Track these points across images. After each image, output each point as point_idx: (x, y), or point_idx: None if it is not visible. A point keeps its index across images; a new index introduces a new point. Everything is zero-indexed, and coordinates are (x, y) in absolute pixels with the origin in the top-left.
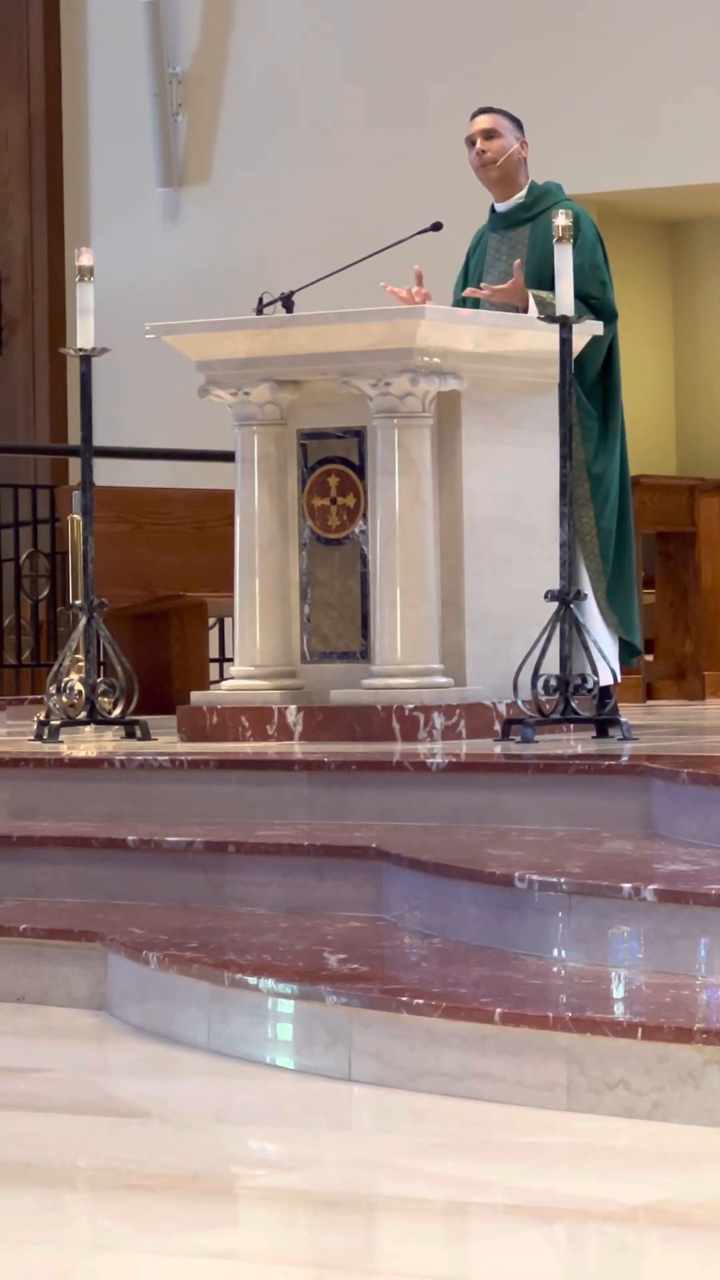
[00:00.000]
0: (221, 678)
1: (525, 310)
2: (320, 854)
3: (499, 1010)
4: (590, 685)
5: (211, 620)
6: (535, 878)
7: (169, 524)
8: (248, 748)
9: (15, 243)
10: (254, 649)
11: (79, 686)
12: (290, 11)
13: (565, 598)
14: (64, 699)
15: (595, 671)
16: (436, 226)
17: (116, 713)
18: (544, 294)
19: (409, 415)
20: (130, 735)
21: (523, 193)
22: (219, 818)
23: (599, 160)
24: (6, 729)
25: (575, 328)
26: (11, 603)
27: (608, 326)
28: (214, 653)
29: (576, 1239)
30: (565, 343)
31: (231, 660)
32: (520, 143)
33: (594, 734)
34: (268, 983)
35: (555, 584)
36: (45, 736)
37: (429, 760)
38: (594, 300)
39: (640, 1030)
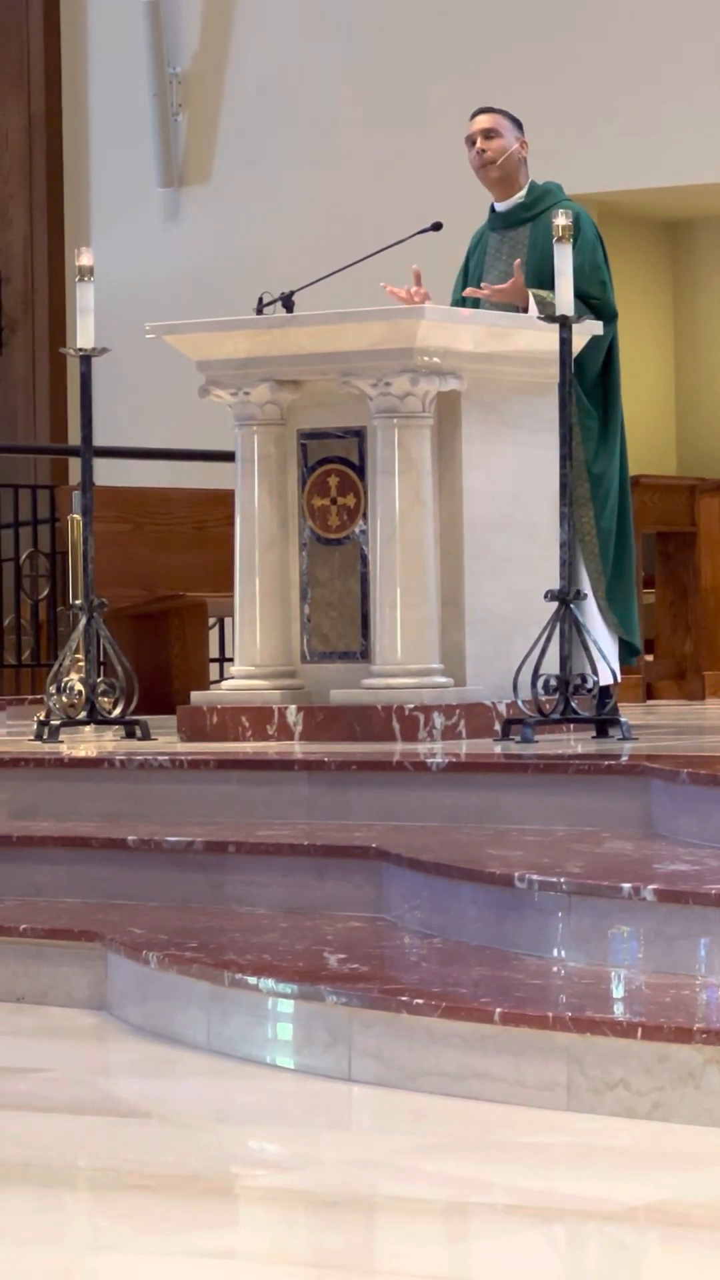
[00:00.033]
0: (221, 678)
1: (525, 310)
2: (320, 854)
3: (499, 1010)
4: (590, 685)
5: (211, 620)
6: (535, 878)
7: (169, 524)
8: (248, 748)
9: (15, 243)
10: (254, 649)
11: (79, 686)
12: (290, 11)
13: (565, 597)
14: (64, 699)
15: (595, 671)
16: (436, 226)
17: (116, 713)
18: (544, 293)
19: (409, 415)
20: (130, 735)
21: (523, 192)
22: (219, 818)
23: (599, 160)
24: (6, 729)
25: (575, 328)
26: (11, 603)
27: (608, 326)
28: (214, 653)
29: (576, 1239)
30: (565, 343)
31: (231, 660)
32: (520, 143)
33: (594, 734)
34: (268, 983)
35: (555, 584)
36: (45, 736)
37: (429, 760)
38: (594, 300)
39: (640, 1030)
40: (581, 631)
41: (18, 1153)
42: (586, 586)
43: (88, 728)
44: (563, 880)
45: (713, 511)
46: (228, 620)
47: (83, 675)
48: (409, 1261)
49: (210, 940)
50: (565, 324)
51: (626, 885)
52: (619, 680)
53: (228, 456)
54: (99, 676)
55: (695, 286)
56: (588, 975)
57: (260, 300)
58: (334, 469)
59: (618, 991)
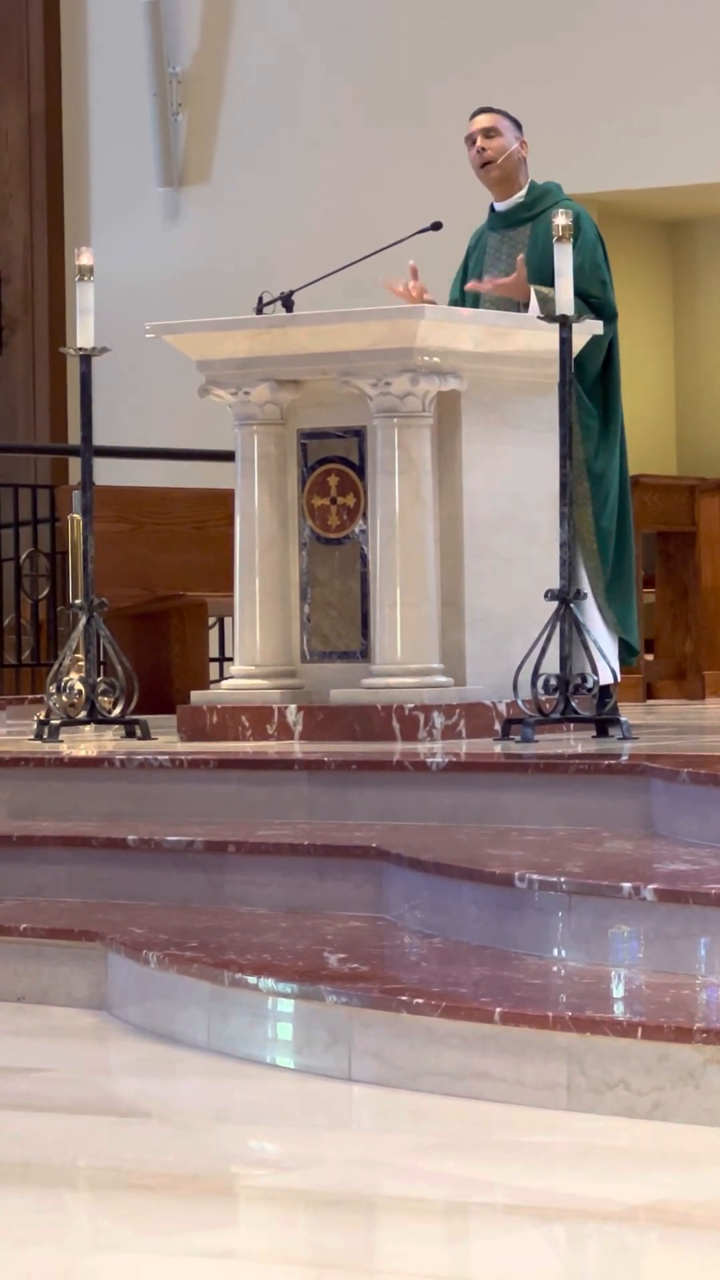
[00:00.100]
0: (221, 677)
1: (526, 305)
2: (320, 854)
3: (499, 1010)
4: (590, 685)
5: (211, 620)
6: (535, 877)
7: (169, 523)
8: (248, 747)
9: (15, 243)
10: (254, 648)
11: (79, 686)
12: (290, 11)
13: (565, 597)
14: (64, 698)
15: (595, 671)
16: (436, 226)
17: (116, 712)
18: (546, 290)
19: (409, 415)
20: (130, 735)
21: (522, 192)
22: (219, 817)
23: (599, 160)
24: (6, 728)
25: (575, 327)
26: (11, 602)
27: (608, 326)
28: (214, 652)
29: (576, 1239)
30: (565, 342)
31: (231, 660)
32: (520, 142)
33: (594, 733)
34: (268, 982)
35: (555, 584)
36: (45, 736)
37: (429, 760)
38: (594, 299)
39: (640, 1030)
40: (581, 631)
41: (18, 1153)
42: (586, 586)
43: (88, 727)
44: (563, 880)
45: (713, 511)
46: (228, 620)
47: (83, 675)
48: (409, 1261)
49: (210, 940)
50: (565, 323)
51: (627, 885)
52: (619, 680)
53: (228, 456)
54: (99, 676)
55: (695, 286)
56: (588, 975)
57: (260, 300)
58: (334, 469)
59: (618, 991)
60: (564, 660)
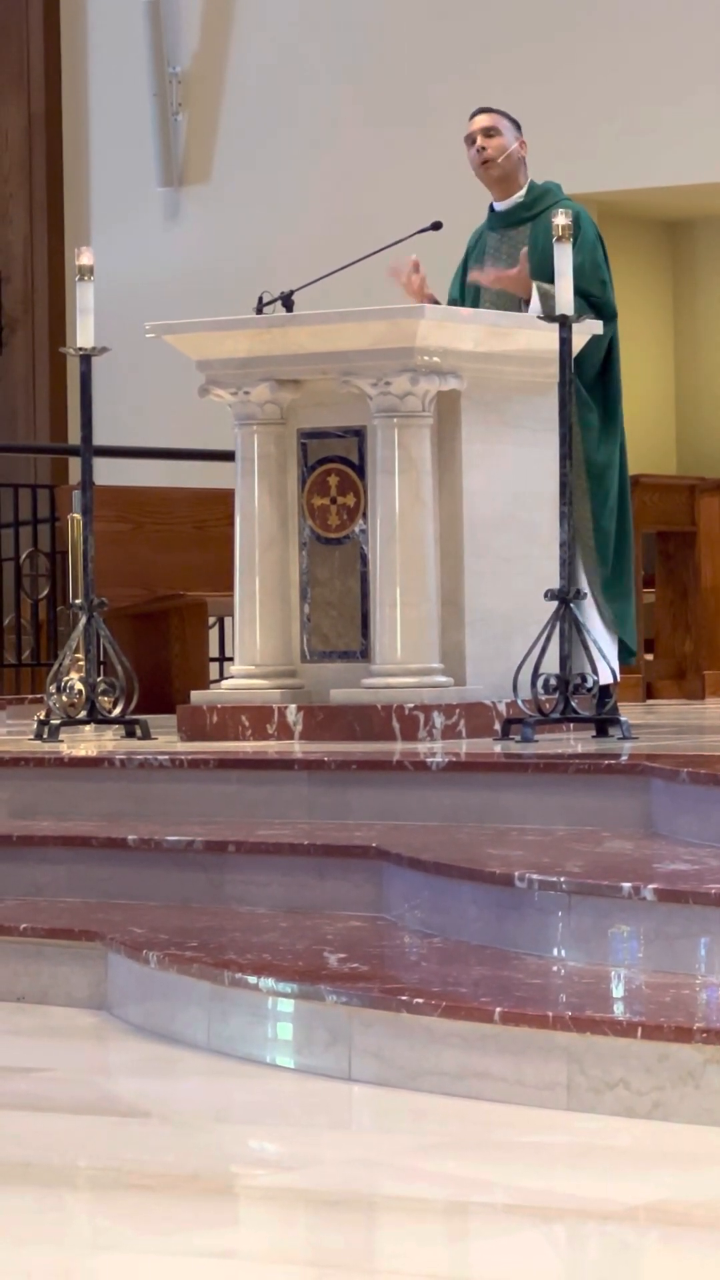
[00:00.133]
0: (221, 677)
1: (527, 301)
2: (320, 853)
3: (499, 1010)
4: (590, 685)
5: (211, 620)
6: (535, 877)
7: (169, 523)
8: (248, 747)
9: (15, 242)
10: (254, 648)
11: (79, 686)
12: (290, 11)
13: (565, 597)
14: (64, 698)
15: (595, 671)
16: (436, 226)
17: (116, 712)
18: (548, 286)
19: (409, 415)
20: (130, 734)
21: (522, 192)
22: (219, 817)
23: (599, 160)
24: (6, 728)
25: (575, 327)
26: (11, 602)
27: (608, 325)
28: (214, 652)
29: (576, 1238)
30: (565, 342)
31: (231, 659)
32: (519, 142)
33: (594, 733)
34: (268, 982)
35: (555, 583)
36: (45, 736)
37: (429, 760)
38: (594, 299)
39: (640, 1030)
40: (581, 631)
41: (18, 1152)
42: (585, 585)
43: (88, 727)
44: (563, 880)
45: (713, 511)
46: (228, 620)
47: (83, 675)
48: (409, 1261)
49: (210, 940)
50: (565, 323)
51: (626, 885)
52: (619, 680)
53: (228, 456)
54: (99, 676)
55: (695, 286)
56: (588, 975)
57: (260, 300)
58: (334, 468)
59: (618, 991)
60: (564, 660)
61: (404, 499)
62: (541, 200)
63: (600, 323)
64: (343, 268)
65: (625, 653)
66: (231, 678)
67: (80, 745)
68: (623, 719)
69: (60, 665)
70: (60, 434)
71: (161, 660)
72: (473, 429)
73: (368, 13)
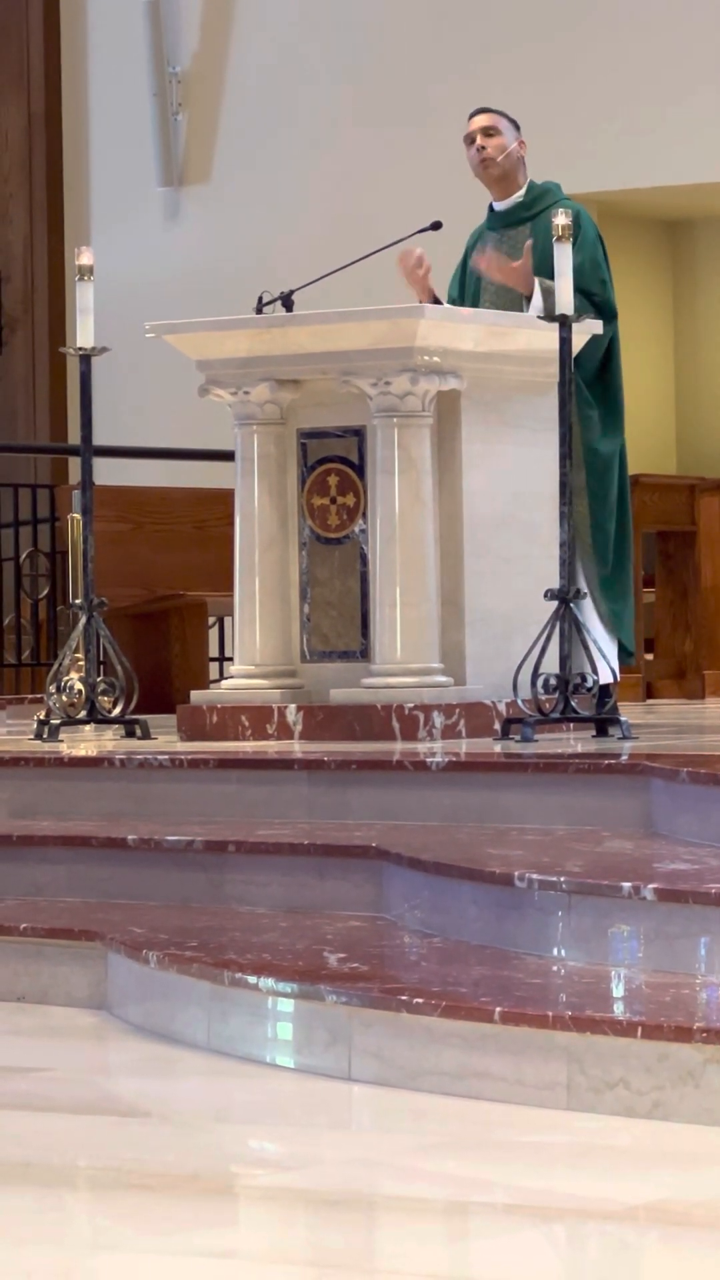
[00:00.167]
0: (221, 677)
1: (529, 297)
2: (320, 853)
3: (499, 1009)
4: (590, 684)
5: (211, 619)
6: (535, 877)
7: (169, 523)
8: (248, 747)
9: (15, 242)
10: (254, 648)
11: (79, 686)
12: (290, 11)
13: (565, 597)
14: (64, 698)
15: (595, 670)
16: (436, 226)
17: (116, 712)
18: (551, 283)
19: (409, 414)
20: (130, 734)
21: (521, 191)
22: (219, 817)
23: (599, 160)
24: (6, 728)
25: (575, 327)
26: (11, 602)
27: (608, 325)
28: (214, 652)
29: (576, 1238)
30: (565, 342)
31: (231, 659)
32: (519, 142)
33: (594, 733)
34: (268, 982)
35: (555, 583)
36: (45, 736)
37: (429, 759)
38: (595, 297)
39: (640, 1029)
40: (581, 631)
41: (18, 1152)
42: (585, 584)
43: (88, 727)
44: (563, 879)
45: (713, 511)
46: (227, 619)
47: (83, 674)
48: (409, 1261)
49: (210, 939)
50: (565, 323)
51: (626, 884)
52: (619, 679)
53: (227, 456)
54: (99, 676)
55: (695, 286)
56: (588, 974)
57: (260, 299)
58: (334, 468)
59: (618, 991)
60: (564, 660)
61: (404, 499)
62: (541, 200)
63: (600, 323)
64: (343, 268)
65: (623, 654)
66: (231, 678)
67: (80, 745)
68: (623, 719)
69: (60, 665)
70: (60, 434)
71: (161, 660)
72: (473, 429)
73: (368, 13)
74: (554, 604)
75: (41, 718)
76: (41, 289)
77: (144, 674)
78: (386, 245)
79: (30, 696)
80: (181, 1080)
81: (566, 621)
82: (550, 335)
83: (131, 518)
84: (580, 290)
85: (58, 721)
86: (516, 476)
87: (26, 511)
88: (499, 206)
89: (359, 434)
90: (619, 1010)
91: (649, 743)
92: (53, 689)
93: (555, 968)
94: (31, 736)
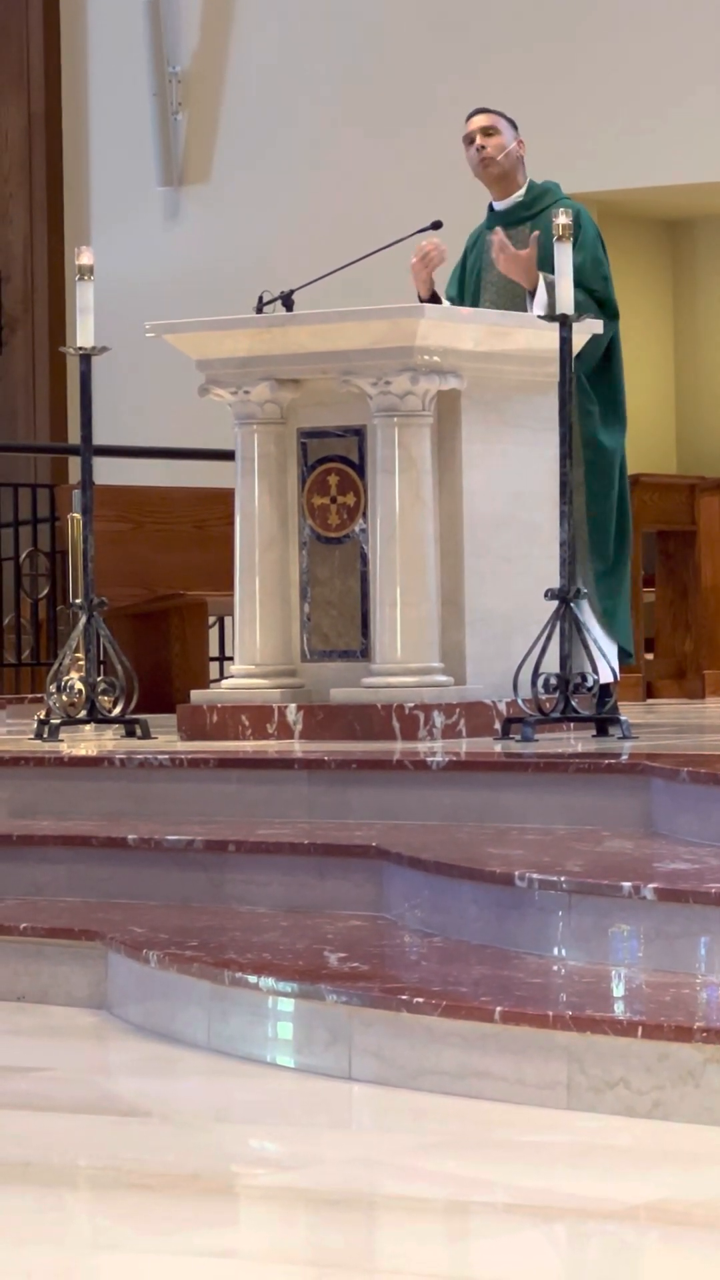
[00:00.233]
0: (222, 676)
1: (532, 291)
2: (320, 853)
3: (499, 1009)
4: (590, 684)
5: (211, 619)
6: (535, 876)
7: (169, 523)
8: (248, 746)
9: (15, 242)
10: (254, 648)
11: (79, 685)
12: (290, 11)
13: (565, 596)
14: (64, 698)
15: (595, 670)
16: (436, 225)
17: (116, 711)
18: (554, 277)
19: (409, 414)
20: (130, 734)
21: (521, 191)
22: (219, 816)
23: (599, 160)
24: (6, 728)
25: (575, 326)
26: (11, 602)
27: (610, 324)
28: (214, 651)
29: (577, 1238)
30: (565, 341)
31: (231, 659)
32: (517, 141)
33: (594, 733)
34: (268, 981)
35: (555, 583)
36: (45, 735)
37: (429, 759)
38: (597, 294)
39: (640, 1029)
40: (581, 630)
41: (18, 1152)
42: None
43: (88, 726)
44: (563, 879)
45: (713, 510)
46: (228, 619)
47: (83, 674)
48: (409, 1260)
49: (210, 939)
50: (565, 323)
51: (627, 884)
52: (619, 679)
53: (228, 455)
54: (99, 675)
55: (695, 286)
56: (588, 974)
57: (260, 299)
58: (334, 468)
59: (618, 990)
60: (564, 659)
61: (404, 498)
62: (541, 199)
63: (600, 322)
64: (343, 267)
65: (623, 654)
66: (231, 677)
67: (80, 745)
68: (623, 718)
69: (60, 665)
70: (60, 434)
71: (161, 660)
72: (473, 428)
73: (368, 13)
74: (554, 604)
75: (41, 717)
76: (41, 289)
77: (144, 674)
78: (386, 245)
79: (30, 696)
80: (182, 1080)
81: (567, 621)
82: (550, 335)
83: (131, 517)
84: (583, 287)
85: (58, 721)
86: (517, 476)
87: (26, 511)
88: (499, 206)
89: (359, 433)
90: (619, 1010)
91: (649, 742)
92: (53, 688)
93: (555, 967)
94: (31, 736)
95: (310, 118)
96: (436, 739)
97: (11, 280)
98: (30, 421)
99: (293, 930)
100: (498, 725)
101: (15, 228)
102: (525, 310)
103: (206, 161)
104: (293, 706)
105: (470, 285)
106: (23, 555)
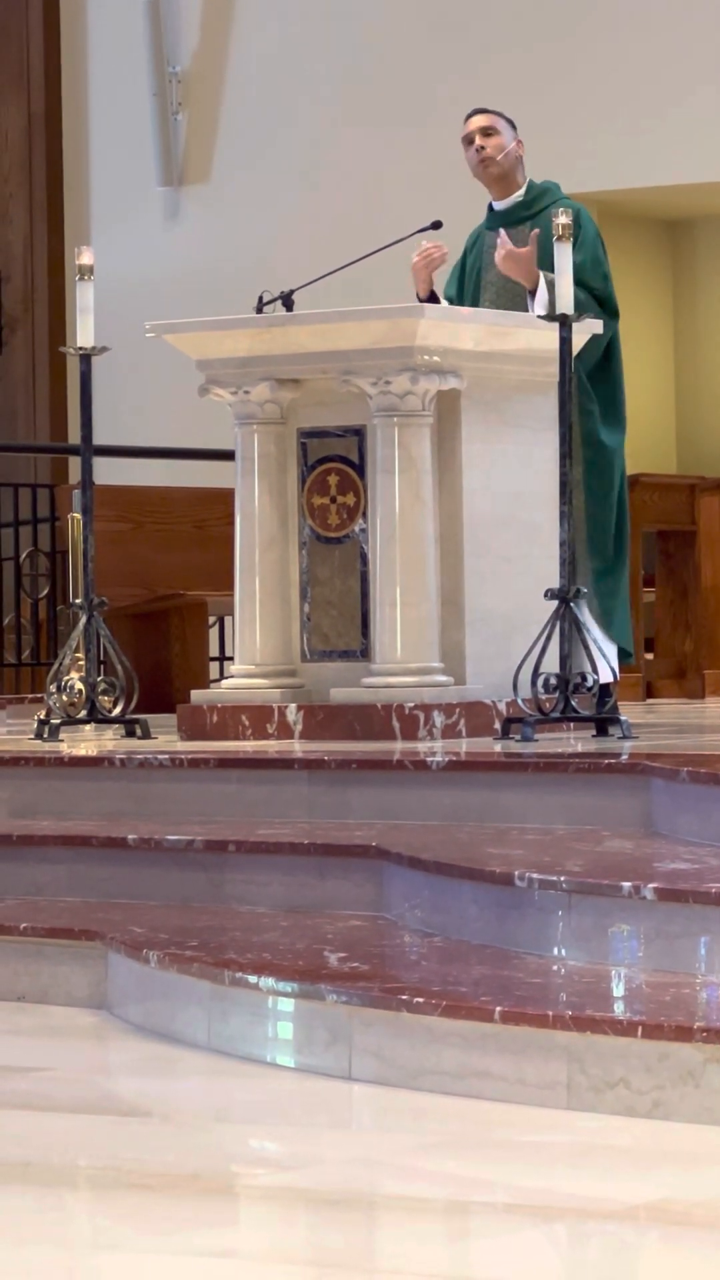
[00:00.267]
0: (222, 676)
1: (533, 291)
2: (320, 853)
3: (499, 1009)
4: (590, 684)
5: (212, 619)
6: (535, 876)
7: (169, 523)
8: (248, 746)
9: (15, 242)
10: (254, 648)
11: (79, 685)
12: (290, 11)
13: (565, 596)
14: (64, 698)
15: (595, 670)
16: (436, 225)
17: (117, 711)
18: (554, 276)
19: (409, 414)
20: (130, 734)
21: (521, 191)
22: (219, 816)
23: (599, 160)
24: (6, 728)
25: (575, 326)
26: (11, 601)
27: (610, 323)
28: (214, 651)
29: (577, 1238)
30: (565, 341)
31: (232, 659)
32: (516, 141)
33: (594, 732)
34: (268, 981)
35: (555, 583)
36: (45, 735)
37: (429, 759)
38: (598, 292)
39: (640, 1029)
40: (581, 630)
41: (18, 1152)
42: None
43: (88, 726)
44: (563, 879)
45: (713, 510)
46: (228, 619)
47: (83, 674)
48: (409, 1260)
49: (211, 939)
50: (565, 323)
51: (627, 884)
52: (619, 679)
53: (228, 455)
54: (99, 675)
55: (695, 286)
56: (588, 974)
57: (260, 299)
58: (334, 467)
59: (618, 990)
60: (564, 659)
61: (404, 498)
62: (541, 199)
63: (600, 322)
64: (342, 267)
65: (623, 655)
66: (231, 677)
67: (80, 745)
68: (623, 718)
69: (60, 665)
70: (60, 434)
71: (161, 660)
72: (473, 428)
73: (368, 13)
74: (554, 603)
75: (42, 717)
76: (41, 289)
77: (144, 674)
78: (386, 245)
79: (30, 696)
80: (182, 1080)
81: (567, 621)
82: (550, 335)
83: (131, 517)
84: (583, 285)
85: (58, 721)
86: (517, 476)
87: (26, 511)
88: (499, 206)
89: (359, 433)
90: (619, 1010)
91: (649, 742)
92: (53, 688)
93: (555, 967)
94: (31, 736)
95: (310, 118)
96: (436, 739)
97: (11, 280)
98: (30, 421)
99: (293, 930)
100: (498, 725)
101: (15, 228)
102: (525, 310)
103: (206, 161)
104: (293, 706)
105: (470, 285)
106: (23, 555)
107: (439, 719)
